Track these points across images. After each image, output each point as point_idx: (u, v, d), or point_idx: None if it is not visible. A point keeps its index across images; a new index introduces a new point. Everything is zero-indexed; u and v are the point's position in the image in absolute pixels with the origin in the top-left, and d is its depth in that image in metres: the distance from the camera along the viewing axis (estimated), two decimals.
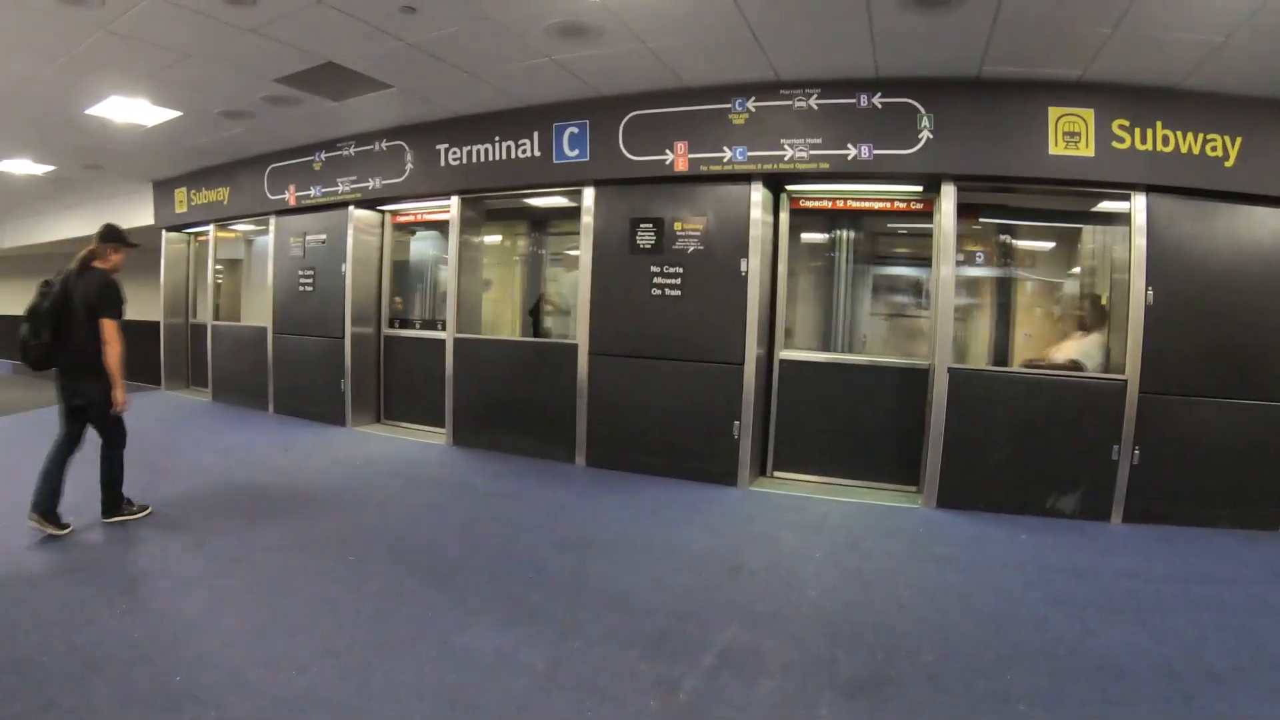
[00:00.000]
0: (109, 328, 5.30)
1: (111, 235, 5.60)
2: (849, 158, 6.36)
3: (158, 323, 12.48)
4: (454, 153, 8.10)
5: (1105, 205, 6.79)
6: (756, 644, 3.77)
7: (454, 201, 8.38)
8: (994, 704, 3.26)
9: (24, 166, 10.93)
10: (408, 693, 3.20)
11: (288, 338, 10.03)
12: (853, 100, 6.32)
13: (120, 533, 5.18)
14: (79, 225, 14.37)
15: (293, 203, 9.77)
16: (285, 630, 3.77)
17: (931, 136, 6.17)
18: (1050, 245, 8.01)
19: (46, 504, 5.21)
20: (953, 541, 5.52)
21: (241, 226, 11.49)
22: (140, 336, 13.00)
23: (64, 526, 5.26)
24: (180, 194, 11.63)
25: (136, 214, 12.66)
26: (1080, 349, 6.73)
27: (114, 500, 5.52)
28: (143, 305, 13.97)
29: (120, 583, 4.30)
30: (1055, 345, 7.02)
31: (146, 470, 6.54)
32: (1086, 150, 5.98)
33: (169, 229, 12.24)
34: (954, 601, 4.40)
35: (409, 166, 8.51)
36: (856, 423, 6.95)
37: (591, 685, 3.31)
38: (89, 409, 5.41)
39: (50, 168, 11.04)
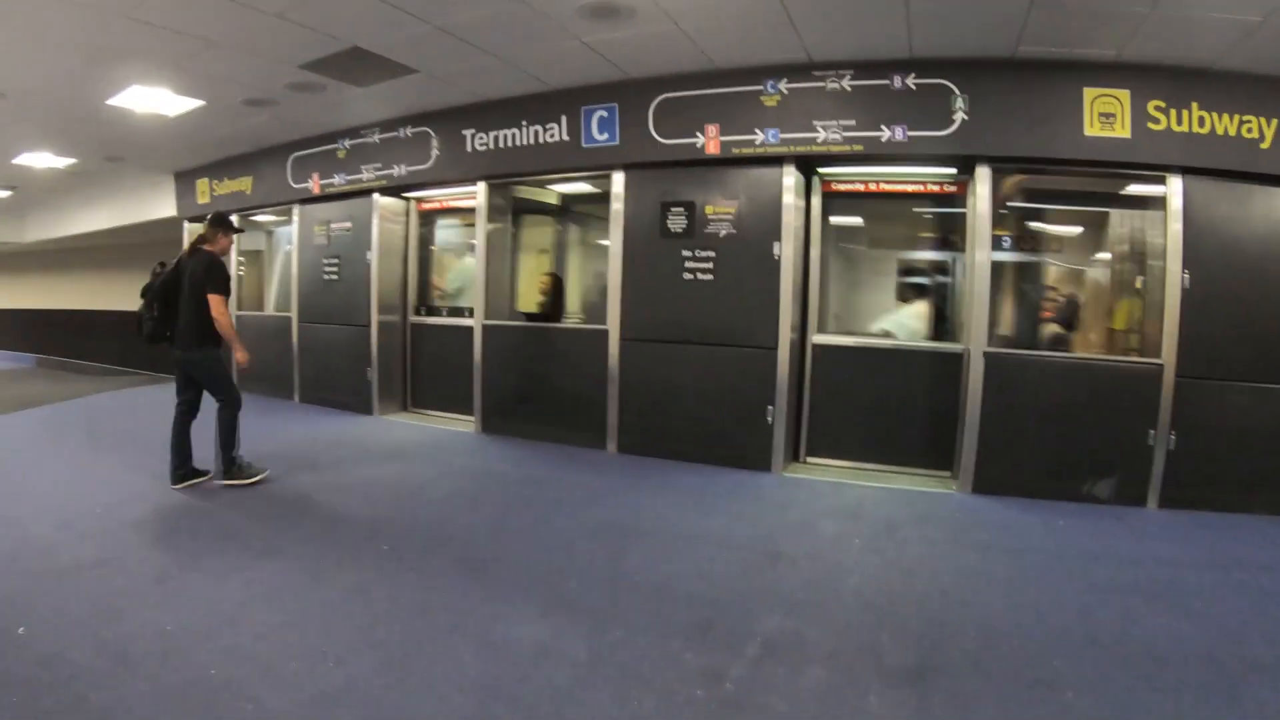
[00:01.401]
0: (215, 301, 5.87)
1: (219, 221, 6.21)
2: (882, 139, 6.29)
3: None
4: (480, 138, 8.05)
5: (1133, 188, 6.70)
6: (800, 632, 3.73)
7: (481, 187, 8.33)
8: (1041, 692, 3.21)
9: (45, 160, 10.95)
10: (448, 685, 3.16)
11: (313, 326, 10.02)
12: (886, 81, 6.24)
13: (149, 524, 5.15)
14: (101, 218, 14.44)
15: (316, 191, 9.74)
16: (320, 621, 3.74)
17: (966, 118, 6.09)
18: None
19: (182, 470, 6.04)
20: (990, 527, 5.47)
21: (263, 217, 11.43)
22: None
23: (204, 473, 6.15)
24: (202, 184, 11.61)
25: (158, 206, 12.70)
26: (893, 319, 7.31)
27: (227, 463, 6.08)
28: None
29: (150, 574, 4.26)
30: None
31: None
32: (1122, 131, 5.90)
33: (191, 220, 12.14)
34: (996, 588, 4.35)
35: (435, 153, 8.46)
36: (890, 407, 6.90)
37: (635, 675, 3.26)
38: (201, 379, 6.07)
39: (71, 160, 11.05)
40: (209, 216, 6.26)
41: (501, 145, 7.93)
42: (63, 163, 11.14)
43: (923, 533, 5.31)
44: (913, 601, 4.15)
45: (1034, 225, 7.37)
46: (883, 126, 6.28)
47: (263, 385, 10.58)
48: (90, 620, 3.66)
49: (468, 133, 8.13)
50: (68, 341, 17.57)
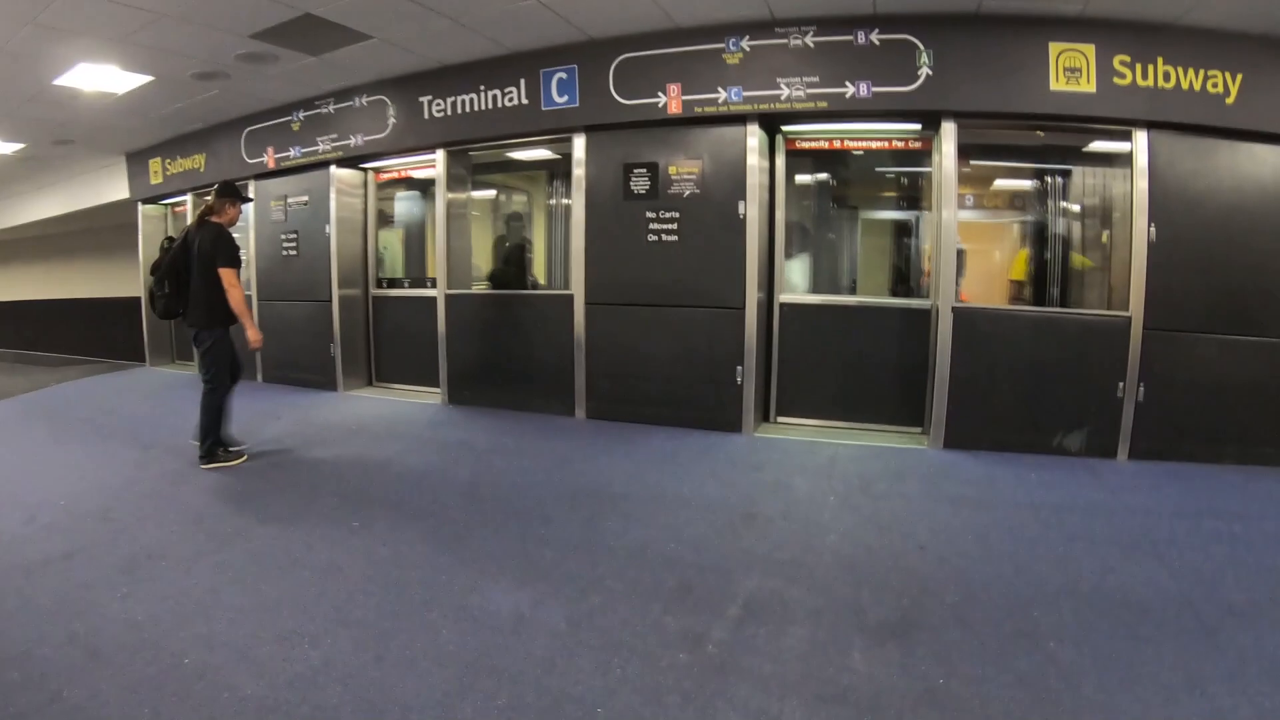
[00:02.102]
0: (226, 275, 5.82)
1: (227, 190, 6.11)
2: (847, 96, 6.23)
3: (138, 298, 12.17)
4: (438, 104, 7.89)
5: (1096, 144, 6.79)
6: (781, 592, 3.71)
7: (439, 155, 8.18)
8: (1024, 643, 3.23)
9: None
10: (427, 660, 3.11)
11: (273, 304, 9.80)
12: (850, 37, 6.16)
13: (115, 513, 5.00)
14: (53, 204, 14.18)
15: (272, 165, 9.53)
16: (293, 603, 3.67)
17: (931, 73, 6.03)
18: None
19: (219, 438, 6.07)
20: (964, 482, 5.47)
21: None
22: (122, 313, 12.79)
23: (238, 453, 6.13)
24: (155, 164, 11.33)
25: (111, 188, 12.45)
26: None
27: (210, 449, 5.94)
28: (122, 281, 13.78)
29: (118, 564, 4.15)
30: None
31: (139, 447, 6.43)
32: (1088, 86, 5.88)
33: (145, 201, 11.95)
34: (972, 542, 4.37)
35: (391, 121, 8.29)
36: (859, 365, 6.89)
37: (616, 642, 3.24)
38: (199, 354, 5.98)
39: (19, 146, 10.79)
40: (216, 185, 6.16)
41: (460, 111, 7.77)
42: (11, 148, 10.87)
43: (897, 489, 5.31)
44: (891, 557, 4.15)
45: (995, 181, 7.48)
46: (847, 83, 6.21)
47: None
48: (60, 615, 3.56)
49: (425, 99, 7.97)
50: (25, 333, 17.29)
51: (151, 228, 12.10)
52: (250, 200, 6.56)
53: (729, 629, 3.34)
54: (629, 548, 4.26)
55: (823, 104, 6.32)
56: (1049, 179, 7.36)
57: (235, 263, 5.92)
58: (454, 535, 4.51)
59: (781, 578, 3.87)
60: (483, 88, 7.57)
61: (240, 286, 5.91)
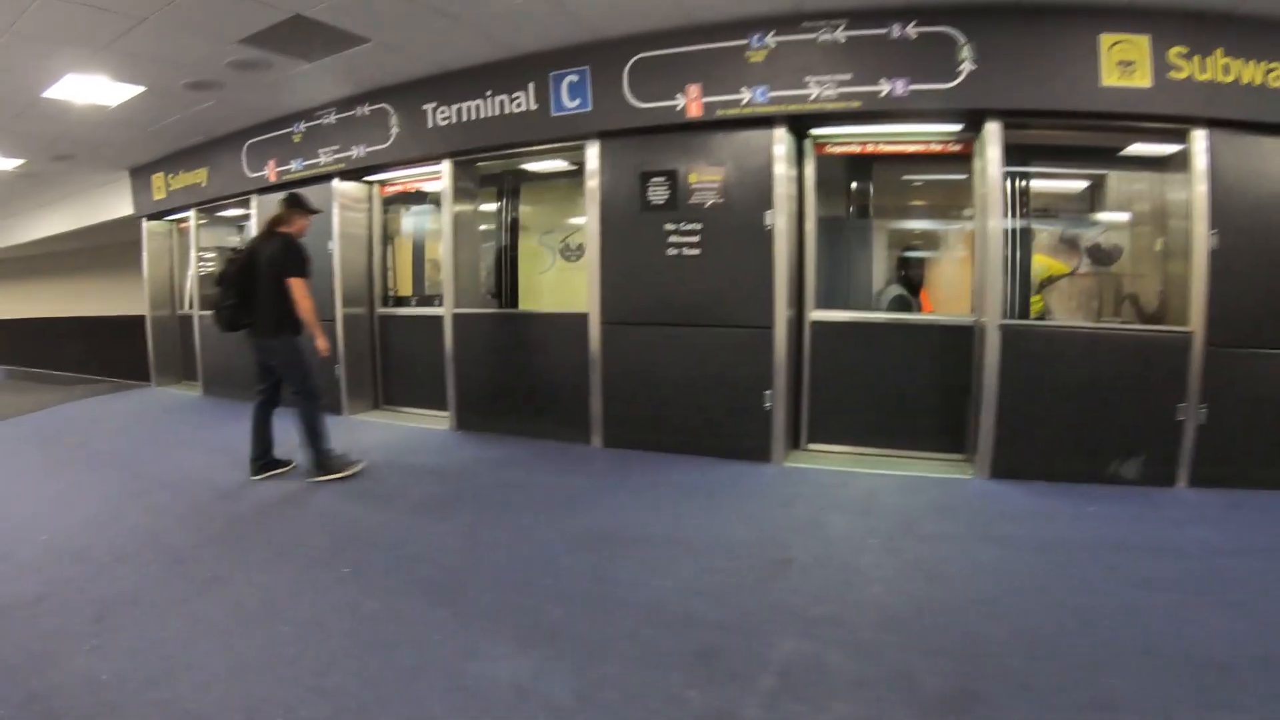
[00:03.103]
0: (297, 286, 5.85)
1: (295, 202, 6.24)
2: (881, 95, 5.83)
3: (143, 317, 12.04)
4: (442, 112, 7.56)
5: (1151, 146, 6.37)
6: (820, 657, 3.25)
7: (445, 166, 7.84)
8: (1099, 717, 2.79)
9: None
10: None
11: None
12: (884, 30, 5.76)
13: (94, 552, 4.63)
14: (58, 221, 14.12)
15: (274, 179, 9.25)
16: (270, 664, 3.25)
17: (973, 68, 5.64)
18: None
19: (262, 460, 6.19)
20: (1016, 518, 5.04)
21: (235, 211, 10.91)
22: (127, 332, 12.59)
23: (285, 463, 6.30)
24: (158, 179, 11.13)
25: (116, 204, 12.32)
26: None
27: (318, 458, 6.03)
28: (128, 300, 13.61)
29: (89, 612, 3.77)
30: None
31: (131, 477, 6.16)
32: (1142, 81, 5.48)
33: (149, 217, 11.77)
34: (1032, 592, 3.92)
35: (394, 130, 7.96)
36: (897, 387, 6.47)
37: None
38: (278, 367, 6.09)
39: (18, 161, 10.62)
40: (283, 196, 6.31)
41: (465, 119, 7.44)
42: (11, 164, 10.71)
43: (943, 528, 4.88)
44: (942, 612, 3.70)
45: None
46: (881, 80, 5.82)
47: (230, 389, 10.14)
48: (21, 668, 3.22)
49: (428, 107, 7.65)
50: (33, 351, 17.22)
51: (156, 244, 11.98)
52: (318, 211, 6.62)
53: (762, 705, 2.89)
54: (646, 602, 3.82)
55: (855, 103, 5.93)
56: (1012, 182, 6.95)
57: (306, 273, 5.96)
58: (451, 585, 4.09)
59: (820, 639, 3.42)
60: (489, 93, 7.24)
61: (309, 297, 5.90)
